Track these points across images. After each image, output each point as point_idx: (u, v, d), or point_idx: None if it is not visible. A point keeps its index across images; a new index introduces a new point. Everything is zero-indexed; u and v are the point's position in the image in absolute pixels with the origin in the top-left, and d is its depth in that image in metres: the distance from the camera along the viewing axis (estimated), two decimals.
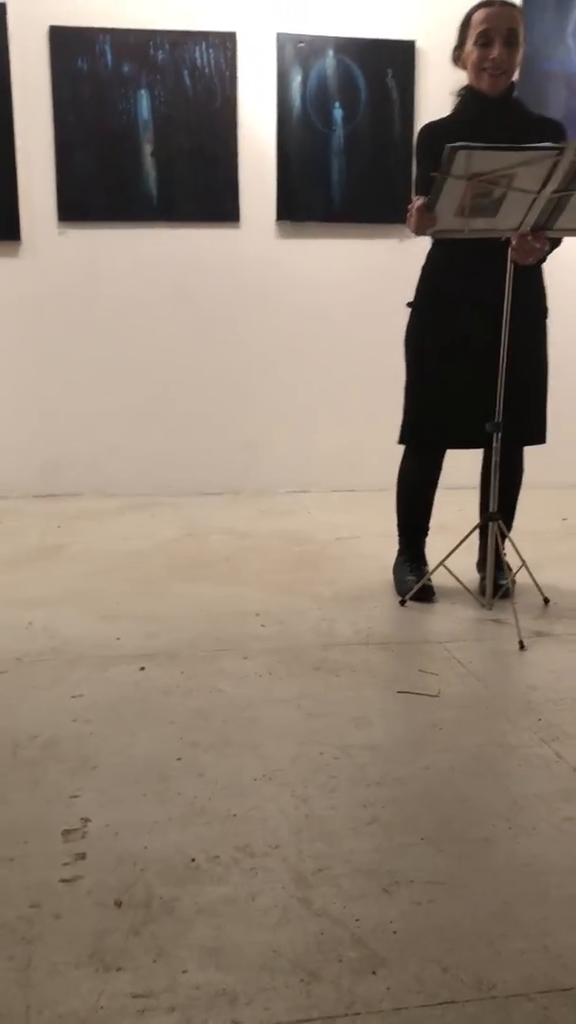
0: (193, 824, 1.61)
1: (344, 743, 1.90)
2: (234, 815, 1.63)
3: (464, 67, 2.70)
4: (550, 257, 2.71)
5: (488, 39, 2.59)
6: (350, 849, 1.53)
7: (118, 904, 1.40)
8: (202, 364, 4.43)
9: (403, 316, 2.83)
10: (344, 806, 1.66)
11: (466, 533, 2.93)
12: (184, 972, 1.25)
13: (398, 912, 1.37)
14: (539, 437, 2.85)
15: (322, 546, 3.50)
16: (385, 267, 4.28)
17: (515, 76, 2.70)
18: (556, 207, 2.39)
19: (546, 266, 2.76)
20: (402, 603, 2.78)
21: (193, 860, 1.50)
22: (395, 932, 1.33)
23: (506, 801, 1.68)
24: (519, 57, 2.65)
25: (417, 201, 2.47)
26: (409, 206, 2.55)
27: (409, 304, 2.82)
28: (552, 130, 2.66)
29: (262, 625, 2.62)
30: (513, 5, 2.66)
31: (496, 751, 1.88)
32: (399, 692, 2.17)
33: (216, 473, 4.49)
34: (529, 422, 2.77)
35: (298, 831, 1.58)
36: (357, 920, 1.35)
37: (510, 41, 2.60)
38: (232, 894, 1.42)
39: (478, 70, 2.63)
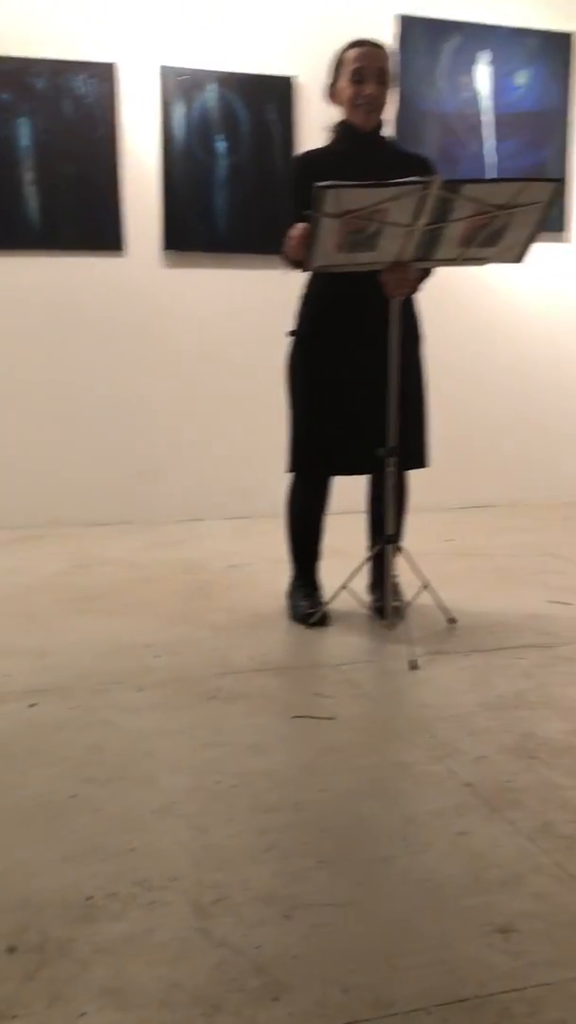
0: (89, 861, 1.57)
1: (241, 771, 1.89)
2: (131, 850, 1.61)
3: (337, 103, 2.78)
4: (426, 287, 2.80)
5: (361, 76, 2.69)
6: (249, 877, 1.52)
7: (11, 950, 1.35)
8: (89, 393, 4.38)
9: (288, 343, 2.87)
10: (242, 834, 1.65)
11: (355, 556, 2.98)
12: (82, 1015, 1.22)
13: (298, 937, 1.37)
14: (420, 461, 2.92)
15: (215, 574, 3.50)
16: (270, 296, 4.33)
17: (388, 114, 2.80)
18: (432, 239, 2.47)
19: (421, 296, 2.85)
20: (309, 626, 2.80)
21: (90, 898, 1.47)
22: (295, 957, 1.33)
23: (402, 819, 1.71)
24: (389, 95, 2.76)
25: (295, 230, 2.51)
26: (287, 239, 2.60)
27: (290, 333, 2.86)
28: (420, 166, 2.77)
29: (156, 656, 2.59)
30: (383, 46, 2.77)
31: (391, 770, 1.91)
32: (295, 717, 2.18)
33: (105, 503, 4.43)
34: (411, 447, 2.82)
35: (196, 862, 1.57)
36: (257, 947, 1.35)
37: (381, 79, 2.71)
38: (130, 930, 1.39)
39: (352, 106, 2.73)
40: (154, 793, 1.80)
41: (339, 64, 2.75)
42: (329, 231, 2.38)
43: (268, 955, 1.33)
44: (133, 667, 2.50)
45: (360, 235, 2.41)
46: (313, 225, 2.36)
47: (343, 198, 2.29)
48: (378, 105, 2.74)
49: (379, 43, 2.76)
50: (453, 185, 2.33)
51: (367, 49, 2.72)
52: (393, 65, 2.78)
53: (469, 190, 2.36)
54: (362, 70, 2.69)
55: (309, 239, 2.41)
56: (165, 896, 1.47)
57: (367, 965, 1.32)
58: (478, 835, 1.65)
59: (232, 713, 2.20)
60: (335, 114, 2.83)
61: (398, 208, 2.34)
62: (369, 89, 2.70)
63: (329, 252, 2.45)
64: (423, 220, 2.38)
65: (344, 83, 2.73)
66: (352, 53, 2.72)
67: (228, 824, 1.69)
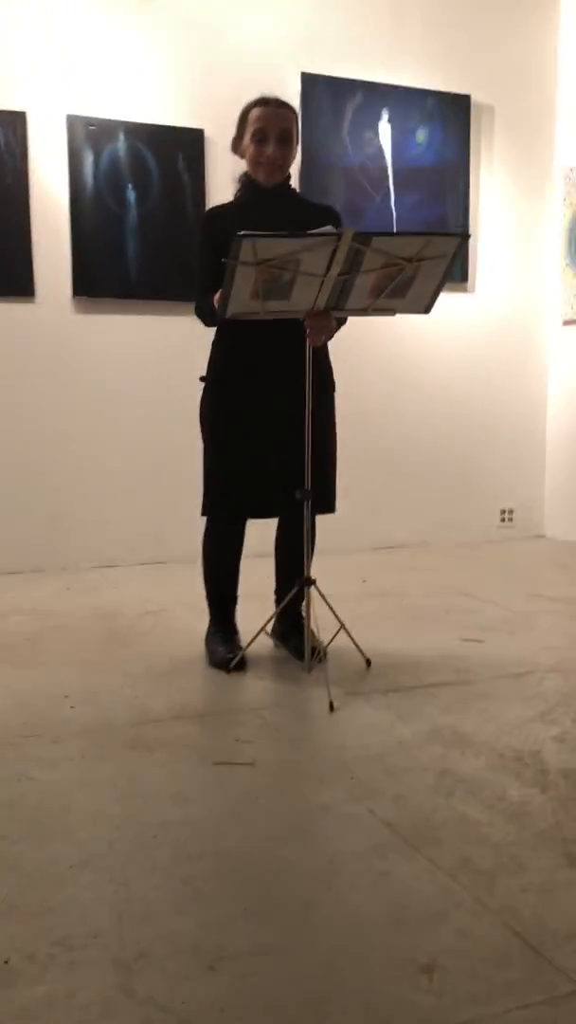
0: (5, 922, 1.52)
1: (162, 820, 1.87)
2: (50, 908, 1.56)
3: (242, 156, 2.84)
4: (336, 336, 2.88)
5: (264, 136, 2.74)
6: (173, 929, 1.50)
7: None
8: None
9: (200, 389, 2.90)
10: (165, 885, 1.63)
11: (270, 599, 3.00)
12: None
13: (224, 989, 1.36)
14: (328, 506, 2.94)
15: (131, 621, 3.46)
16: (182, 342, 4.38)
17: (292, 168, 2.86)
18: (344, 288, 2.54)
19: (332, 345, 2.92)
20: (228, 671, 2.79)
21: (7, 962, 1.42)
22: (222, 1010, 1.31)
23: (324, 862, 1.71)
24: (293, 153, 2.82)
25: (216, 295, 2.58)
26: (206, 301, 2.66)
27: (202, 378, 2.89)
28: (326, 215, 2.84)
29: (72, 706, 2.54)
30: (288, 106, 2.81)
31: (312, 813, 1.91)
32: (215, 764, 2.16)
33: (16, 550, 4.35)
34: (319, 492, 2.82)
35: (118, 916, 1.53)
36: (183, 1002, 1.33)
37: (283, 139, 2.76)
38: (50, 993, 1.35)
39: (255, 164, 2.78)
40: (73, 847, 1.77)
41: (244, 120, 2.79)
42: (245, 279, 2.42)
43: (194, 1010, 1.31)
44: (49, 718, 2.45)
45: (275, 284, 2.46)
46: (229, 273, 2.40)
47: (259, 247, 2.34)
48: (280, 165, 2.78)
49: (284, 103, 2.80)
50: (364, 237, 2.40)
51: (270, 110, 2.75)
52: (297, 124, 2.83)
53: (379, 243, 2.43)
54: (264, 130, 2.74)
55: (224, 288, 2.45)
56: (86, 954, 1.44)
57: (294, 1014, 1.31)
58: (399, 874, 1.66)
59: (152, 762, 2.17)
60: (243, 164, 2.89)
61: (312, 258, 2.40)
62: (270, 150, 2.74)
63: (244, 300, 2.50)
64: (336, 270, 2.45)
65: (247, 141, 2.77)
66: (256, 112, 2.75)
67: (150, 875, 1.66)
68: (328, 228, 2.44)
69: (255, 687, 2.71)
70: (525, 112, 5.16)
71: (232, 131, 2.86)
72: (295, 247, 2.37)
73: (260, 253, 2.35)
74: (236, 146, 2.85)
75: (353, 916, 1.54)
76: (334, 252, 2.39)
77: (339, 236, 2.37)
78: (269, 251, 2.36)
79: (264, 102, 2.77)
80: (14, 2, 4.14)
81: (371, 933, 1.49)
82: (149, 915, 1.54)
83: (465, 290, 5.09)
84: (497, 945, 1.46)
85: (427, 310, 2.71)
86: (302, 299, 2.53)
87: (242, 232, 2.31)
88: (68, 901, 1.58)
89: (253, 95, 2.83)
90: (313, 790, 2.02)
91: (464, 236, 2.59)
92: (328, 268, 2.44)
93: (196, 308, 2.84)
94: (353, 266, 2.46)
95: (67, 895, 1.60)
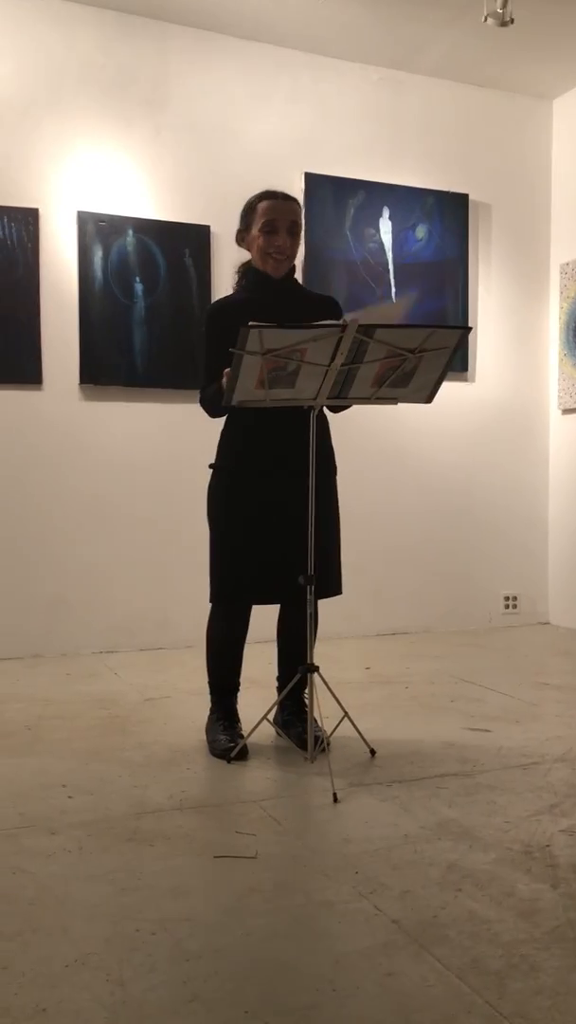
0: None
1: (161, 917, 1.81)
2: (43, 1010, 1.50)
3: (248, 249, 2.92)
4: (338, 417, 2.92)
5: (273, 228, 2.83)
6: None
7: None
8: (2, 524, 4.33)
9: (207, 475, 2.92)
10: (163, 985, 1.57)
11: (270, 686, 2.97)
12: None
13: None
14: (335, 589, 2.94)
15: (131, 709, 3.42)
16: (186, 429, 4.44)
17: (296, 261, 2.95)
18: (348, 378, 2.59)
19: (334, 426, 2.96)
20: (229, 761, 2.74)
21: None
22: None
23: (328, 962, 1.65)
24: (299, 244, 2.91)
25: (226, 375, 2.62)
26: (210, 389, 2.72)
27: (211, 465, 2.92)
28: (329, 306, 2.91)
29: (69, 797, 2.49)
30: (294, 199, 2.91)
31: (316, 910, 1.85)
32: (216, 857, 2.11)
33: (15, 636, 4.32)
34: (325, 575, 2.83)
35: (114, 1019, 1.47)
36: None
37: (292, 231, 2.85)
38: None
39: (264, 254, 2.86)
40: (68, 945, 1.71)
41: (251, 212, 2.88)
42: (250, 368, 2.47)
43: None
44: (45, 809, 2.40)
45: (280, 372, 2.51)
46: (235, 362, 2.45)
47: (266, 337, 2.39)
48: (289, 255, 2.87)
49: (290, 196, 2.90)
50: (367, 329, 2.46)
51: (278, 202, 2.85)
52: (302, 217, 2.92)
53: (382, 335, 2.48)
54: (274, 222, 2.82)
55: (231, 376, 2.50)
56: None
57: None
58: (407, 975, 1.60)
59: (150, 855, 2.11)
60: (243, 255, 2.97)
61: (317, 349, 2.45)
62: (280, 240, 2.83)
63: (249, 388, 2.54)
64: (340, 361, 2.49)
65: (255, 232, 2.85)
66: (264, 205, 2.84)
67: (148, 975, 1.60)
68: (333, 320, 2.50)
69: (257, 777, 2.66)
70: (521, 210, 5.34)
71: (236, 225, 2.95)
72: (301, 338, 2.42)
73: (266, 343, 2.40)
74: (242, 238, 2.92)
75: (358, 1021, 1.48)
76: (339, 343, 2.44)
77: (344, 328, 2.42)
78: (275, 341, 2.41)
79: (271, 195, 2.86)
80: (30, 106, 4.32)
81: None
82: (146, 1018, 1.47)
83: (466, 379, 5.18)
84: None
85: (429, 400, 2.75)
86: (306, 388, 2.57)
87: (250, 323, 2.36)
88: (62, 1003, 1.52)
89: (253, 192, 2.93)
90: (317, 885, 1.96)
91: (466, 329, 2.65)
92: (332, 358, 2.48)
93: (201, 399, 2.89)
94: (357, 357, 2.51)
95: (62, 995, 1.54)
